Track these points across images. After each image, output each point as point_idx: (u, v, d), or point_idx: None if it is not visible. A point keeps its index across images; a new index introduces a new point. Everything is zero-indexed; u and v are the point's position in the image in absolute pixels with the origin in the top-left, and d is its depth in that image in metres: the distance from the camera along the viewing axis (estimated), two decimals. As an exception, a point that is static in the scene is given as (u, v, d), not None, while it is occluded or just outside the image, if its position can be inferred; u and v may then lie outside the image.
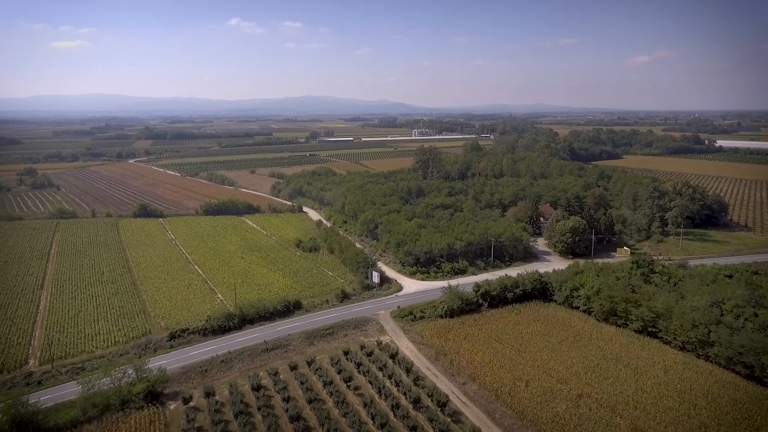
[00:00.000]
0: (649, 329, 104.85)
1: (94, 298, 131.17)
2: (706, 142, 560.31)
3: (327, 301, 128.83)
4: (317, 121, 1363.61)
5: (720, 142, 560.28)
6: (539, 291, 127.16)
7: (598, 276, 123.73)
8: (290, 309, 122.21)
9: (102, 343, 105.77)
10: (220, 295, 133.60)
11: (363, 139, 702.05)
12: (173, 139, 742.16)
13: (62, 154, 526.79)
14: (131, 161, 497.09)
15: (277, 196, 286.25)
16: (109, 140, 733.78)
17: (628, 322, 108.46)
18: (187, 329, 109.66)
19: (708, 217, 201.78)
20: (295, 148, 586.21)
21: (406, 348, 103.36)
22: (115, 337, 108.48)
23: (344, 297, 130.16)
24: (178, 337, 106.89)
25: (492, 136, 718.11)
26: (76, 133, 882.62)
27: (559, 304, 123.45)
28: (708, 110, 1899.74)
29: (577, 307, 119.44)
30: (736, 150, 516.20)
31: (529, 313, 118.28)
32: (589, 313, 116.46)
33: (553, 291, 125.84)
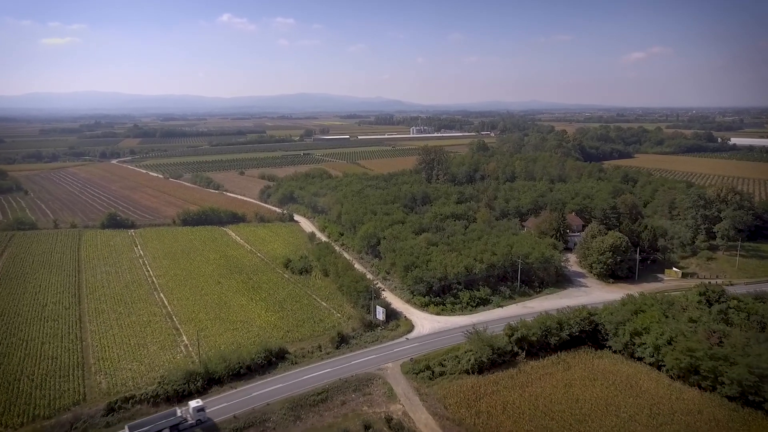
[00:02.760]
0: (750, 397, 78.41)
1: (25, 343, 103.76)
2: (719, 140, 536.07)
3: (320, 346, 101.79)
4: (313, 119, 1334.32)
5: (734, 140, 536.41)
6: (588, 333, 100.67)
7: (666, 316, 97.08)
8: (272, 361, 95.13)
9: (14, 420, 78.46)
10: (185, 338, 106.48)
11: (359, 137, 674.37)
12: (162, 138, 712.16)
13: (41, 153, 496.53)
14: (114, 161, 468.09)
15: (266, 202, 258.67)
16: (95, 139, 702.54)
17: (716, 385, 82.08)
18: (133, 397, 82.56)
19: (758, 228, 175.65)
20: (288, 146, 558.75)
21: (426, 426, 76.62)
22: (35, 408, 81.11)
23: (341, 341, 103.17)
24: (118, 410, 79.75)
25: (492, 134, 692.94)
26: (64, 131, 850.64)
27: (615, 352, 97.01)
28: (705, 107, 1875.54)
29: (641, 359, 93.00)
30: (750, 148, 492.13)
31: (581, 367, 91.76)
32: (659, 368, 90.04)
33: (606, 334, 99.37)
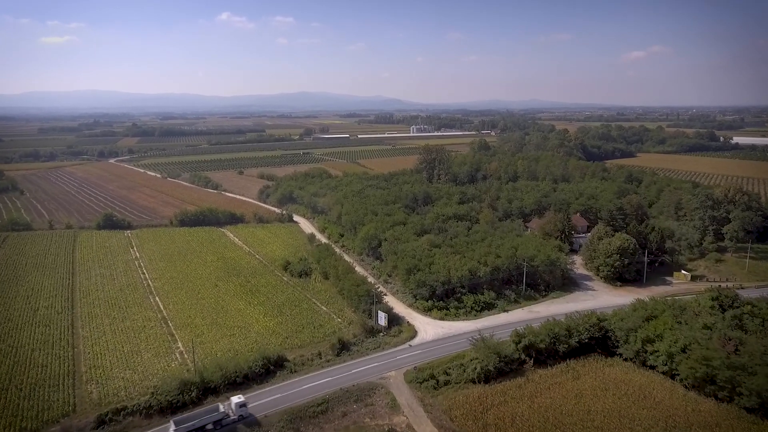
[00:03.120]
0: (770, 409, 74.95)
1: (14, 349, 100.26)
2: (722, 139, 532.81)
3: (320, 353, 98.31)
4: (312, 118, 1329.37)
5: (736, 139, 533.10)
6: (598, 340, 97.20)
7: (678, 323, 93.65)
8: (270, 369, 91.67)
9: (0, 433, 75.14)
10: (180, 344, 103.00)
11: (359, 136, 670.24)
12: (161, 137, 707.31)
13: (39, 153, 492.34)
14: (112, 161, 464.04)
15: (264, 202, 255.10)
16: (94, 138, 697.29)
17: (734, 396, 78.58)
18: (125, 408, 79.02)
19: (767, 229, 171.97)
20: (288, 146, 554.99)
21: (431, 439, 73.20)
22: (22, 420, 77.52)
23: (342, 348, 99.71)
24: (109, 423, 76.27)
25: (492, 133, 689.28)
26: (63, 130, 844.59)
27: (626, 359, 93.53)
28: (704, 105, 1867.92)
29: (654, 367, 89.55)
30: (753, 147, 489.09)
31: (591, 376, 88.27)
32: (673, 377, 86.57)
33: (617, 341, 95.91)
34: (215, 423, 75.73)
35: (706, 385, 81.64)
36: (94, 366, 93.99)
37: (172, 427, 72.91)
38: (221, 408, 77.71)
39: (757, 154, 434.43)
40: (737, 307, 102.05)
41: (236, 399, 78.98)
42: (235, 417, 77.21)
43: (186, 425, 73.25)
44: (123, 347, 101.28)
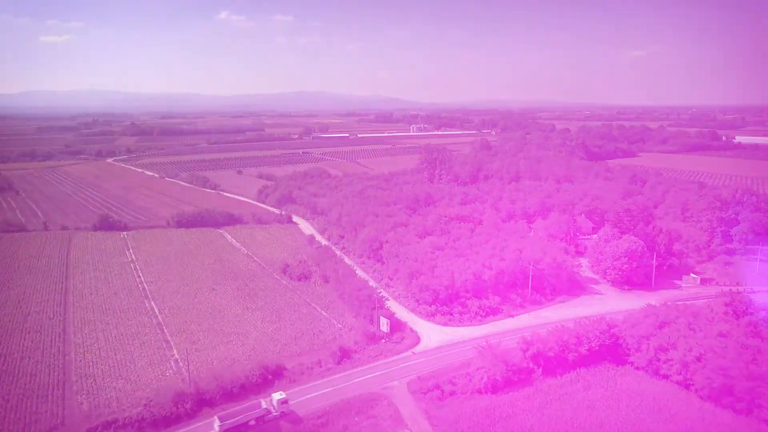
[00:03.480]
0: (792, 422, 71.58)
1: (3, 357, 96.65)
2: (724, 138, 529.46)
3: (319, 362, 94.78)
4: (312, 117, 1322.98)
5: (738, 139, 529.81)
6: (608, 347, 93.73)
7: (692, 330, 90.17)
8: (268, 378, 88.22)
9: (-16, 448, 71.66)
10: (175, 352, 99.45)
11: (359, 135, 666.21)
12: (160, 136, 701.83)
13: (36, 152, 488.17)
14: (110, 160, 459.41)
15: (263, 202, 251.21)
16: (92, 137, 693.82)
17: (753, 408, 75.18)
18: (116, 421, 75.55)
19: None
20: (287, 145, 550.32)
21: (437, 455, 69.70)
22: (7, 434, 74.30)
23: (342, 355, 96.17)
24: (99, 437, 72.82)
25: (493, 132, 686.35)
26: (61, 129, 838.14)
27: (638, 368, 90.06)
28: (705, 105, 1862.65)
29: (667, 376, 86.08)
30: (756, 147, 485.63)
31: (603, 386, 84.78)
32: (688, 387, 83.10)
33: (629, 349, 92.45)
34: (257, 419, 76.86)
35: (724, 396, 78.22)
36: (85, 375, 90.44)
37: (216, 423, 73.57)
38: (263, 404, 78.63)
39: (761, 154, 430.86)
40: (752, 313, 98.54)
41: (277, 396, 79.62)
42: (276, 413, 78.09)
43: (230, 421, 74.16)
44: (116, 355, 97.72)
